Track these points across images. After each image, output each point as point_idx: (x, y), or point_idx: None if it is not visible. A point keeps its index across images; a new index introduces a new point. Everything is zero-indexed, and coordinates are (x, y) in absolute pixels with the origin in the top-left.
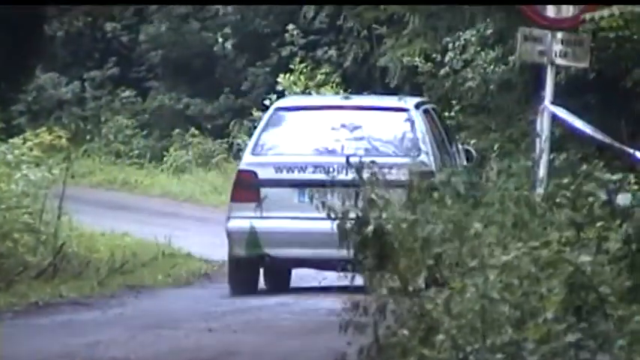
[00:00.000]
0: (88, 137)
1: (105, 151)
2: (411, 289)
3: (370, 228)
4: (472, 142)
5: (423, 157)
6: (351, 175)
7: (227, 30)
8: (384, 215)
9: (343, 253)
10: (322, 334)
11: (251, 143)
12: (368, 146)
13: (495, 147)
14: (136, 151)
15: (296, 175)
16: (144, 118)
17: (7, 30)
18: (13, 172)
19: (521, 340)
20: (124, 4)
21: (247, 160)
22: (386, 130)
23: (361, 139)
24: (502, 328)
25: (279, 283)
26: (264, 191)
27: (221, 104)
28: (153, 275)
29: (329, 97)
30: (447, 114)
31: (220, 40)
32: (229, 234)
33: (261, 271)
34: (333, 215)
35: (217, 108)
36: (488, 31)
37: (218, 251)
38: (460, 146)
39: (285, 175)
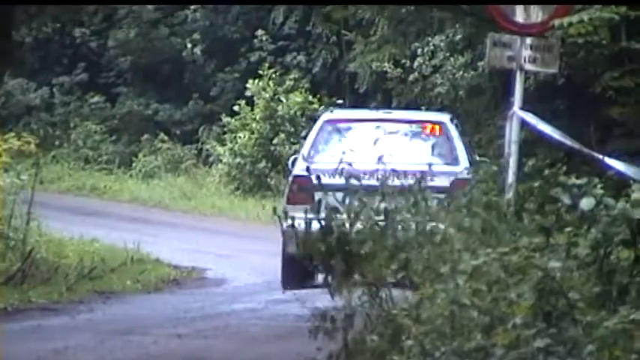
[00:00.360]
0: (56, 143)
1: (74, 157)
2: (379, 295)
3: (334, 236)
4: None
5: (461, 166)
6: (398, 181)
7: (196, 36)
8: (347, 221)
9: None
10: (292, 340)
11: (304, 151)
12: (411, 155)
13: None
14: (105, 157)
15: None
16: (113, 123)
17: None
18: None
19: (490, 346)
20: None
21: (302, 167)
22: (425, 141)
23: (403, 148)
24: (471, 333)
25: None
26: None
27: (190, 110)
28: (122, 281)
29: (372, 112)
30: None
31: (189, 45)
32: (285, 233)
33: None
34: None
35: (186, 113)
36: (457, 37)
37: (187, 257)
38: (475, 156)
39: (337, 181)
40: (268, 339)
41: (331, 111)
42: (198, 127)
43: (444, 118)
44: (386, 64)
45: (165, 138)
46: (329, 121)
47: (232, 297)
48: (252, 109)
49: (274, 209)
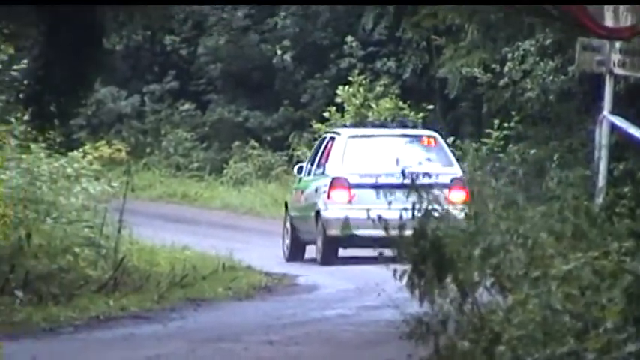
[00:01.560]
0: (147, 150)
1: (165, 164)
2: (470, 299)
3: (427, 240)
4: (532, 152)
5: (455, 168)
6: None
7: (286, 42)
8: (441, 226)
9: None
10: (383, 346)
11: (339, 159)
12: (419, 160)
13: (555, 157)
14: (196, 164)
15: (374, 181)
16: (203, 130)
17: (66, 44)
18: (73, 186)
19: (581, 350)
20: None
21: (339, 171)
22: (425, 150)
23: (412, 156)
24: (563, 338)
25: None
26: (352, 191)
27: (280, 116)
28: (213, 288)
29: (378, 129)
30: (506, 124)
31: (279, 52)
32: (327, 221)
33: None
34: (389, 229)
35: (276, 120)
36: (547, 42)
37: (278, 264)
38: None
39: (367, 180)
40: (359, 345)
41: (345, 126)
42: (288, 133)
43: (434, 133)
44: (476, 69)
45: (256, 145)
46: (351, 137)
47: (324, 303)
48: (342, 116)
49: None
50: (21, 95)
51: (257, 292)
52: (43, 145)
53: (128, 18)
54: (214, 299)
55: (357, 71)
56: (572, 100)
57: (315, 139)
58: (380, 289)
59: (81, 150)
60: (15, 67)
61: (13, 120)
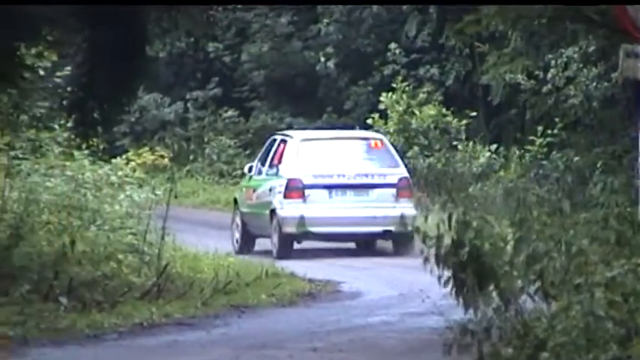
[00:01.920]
0: (191, 157)
1: (208, 171)
2: (514, 307)
3: (466, 250)
4: (575, 159)
5: (401, 169)
6: (359, 180)
7: (329, 49)
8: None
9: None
10: (426, 353)
11: (293, 160)
12: (367, 161)
13: (598, 164)
14: (239, 171)
15: (326, 181)
16: (246, 137)
17: (110, 51)
18: (117, 193)
19: (625, 357)
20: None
21: (293, 172)
22: (375, 152)
23: (362, 157)
24: (607, 344)
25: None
26: (306, 192)
27: (323, 123)
28: (257, 295)
29: (329, 131)
30: (549, 131)
31: (323, 59)
32: (283, 219)
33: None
34: (427, 240)
35: (320, 127)
36: (591, 49)
37: (321, 270)
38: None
39: (320, 181)
40: (403, 352)
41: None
42: None
43: (381, 135)
44: (519, 75)
45: None
46: (303, 140)
47: (367, 310)
48: (385, 123)
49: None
50: (64, 102)
51: (300, 299)
52: (87, 152)
53: (172, 25)
54: (258, 306)
55: (400, 78)
56: (616, 107)
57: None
58: (424, 296)
59: (124, 157)
60: (58, 73)
61: (56, 127)
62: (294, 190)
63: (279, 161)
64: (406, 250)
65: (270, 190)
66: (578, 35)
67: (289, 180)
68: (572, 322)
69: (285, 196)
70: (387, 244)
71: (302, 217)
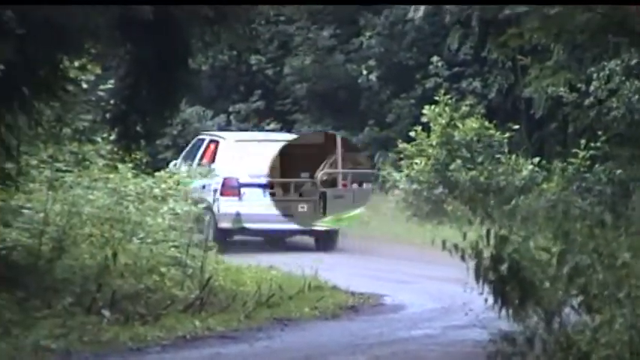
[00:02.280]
0: None
1: None
2: (557, 319)
3: (505, 265)
4: (618, 172)
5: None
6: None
7: (371, 62)
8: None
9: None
10: None
11: (228, 160)
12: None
13: None
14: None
15: (261, 180)
16: None
17: (152, 64)
18: (160, 206)
19: None
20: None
21: (229, 170)
22: None
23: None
24: None
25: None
26: (242, 190)
27: (366, 136)
28: (299, 308)
29: (261, 133)
30: (592, 144)
31: (365, 72)
32: (219, 215)
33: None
34: (466, 255)
35: (362, 140)
36: (633, 61)
37: (364, 283)
38: None
39: (254, 180)
40: None
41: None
42: (374, 153)
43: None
44: (562, 88)
45: None
46: (237, 141)
47: (410, 323)
48: (428, 135)
49: (443, 243)
50: (107, 115)
51: (343, 312)
52: (130, 164)
53: (214, 38)
54: (300, 319)
55: (442, 91)
56: None
57: (401, 159)
58: (467, 309)
59: (167, 170)
60: (101, 86)
61: (99, 140)
62: (230, 188)
63: (212, 160)
64: (328, 247)
65: (204, 187)
66: (620, 48)
67: (225, 179)
68: (616, 335)
69: (221, 194)
70: (347, 243)
71: (238, 214)
